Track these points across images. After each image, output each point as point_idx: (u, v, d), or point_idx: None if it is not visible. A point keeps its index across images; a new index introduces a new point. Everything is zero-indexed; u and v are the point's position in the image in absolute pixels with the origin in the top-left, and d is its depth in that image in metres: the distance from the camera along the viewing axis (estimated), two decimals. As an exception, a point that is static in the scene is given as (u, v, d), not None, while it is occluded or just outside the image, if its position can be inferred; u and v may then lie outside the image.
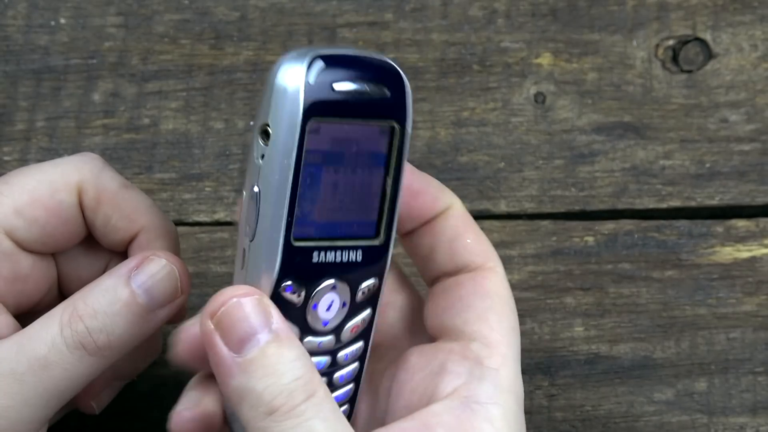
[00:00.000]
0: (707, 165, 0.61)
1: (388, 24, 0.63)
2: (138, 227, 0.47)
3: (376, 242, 0.44)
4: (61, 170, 0.47)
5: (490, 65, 0.62)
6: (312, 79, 0.40)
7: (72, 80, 0.62)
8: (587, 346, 0.59)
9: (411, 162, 0.61)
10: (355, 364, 0.46)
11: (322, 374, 0.45)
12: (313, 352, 0.44)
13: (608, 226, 0.61)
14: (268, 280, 0.42)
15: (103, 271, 0.48)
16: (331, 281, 0.43)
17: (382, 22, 0.63)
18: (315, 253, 0.42)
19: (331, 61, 0.41)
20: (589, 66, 0.62)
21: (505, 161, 0.61)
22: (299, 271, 0.42)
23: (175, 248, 0.48)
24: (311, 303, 0.43)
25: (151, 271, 0.45)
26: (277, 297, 0.42)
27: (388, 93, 0.42)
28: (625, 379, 0.59)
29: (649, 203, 0.61)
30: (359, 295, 0.44)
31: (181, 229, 0.60)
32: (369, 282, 0.44)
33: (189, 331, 0.43)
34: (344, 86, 0.41)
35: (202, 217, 0.61)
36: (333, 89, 0.41)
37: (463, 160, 0.61)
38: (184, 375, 0.59)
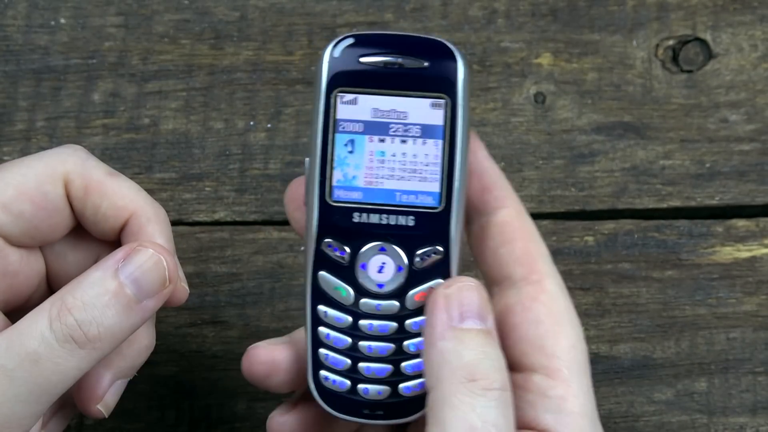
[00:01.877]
0: (707, 165, 0.61)
1: (388, 24, 0.63)
2: (128, 214, 0.47)
3: (431, 210, 0.45)
4: (46, 162, 0.47)
5: (490, 65, 0.62)
6: (337, 53, 0.44)
7: (72, 80, 0.62)
8: (587, 346, 0.59)
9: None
10: None
11: (389, 340, 0.46)
12: (372, 315, 0.46)
13: (608, 226, 0.61)
14: (311, 236, 0.45)
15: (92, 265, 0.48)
16: (377, 243, 0.45)
17: (382, 22, 0.63)
18: (356, 214, 0.45)
19: (361, 38, 0.45)
20: (589, 66, 0.62)
21: (505, 161, 0.61)
22: (339, 229, 0.45)
23: (167, 231, 0.48)
24: (359, 262, 0.45)
25: (138, 262, 0.45)
26: (320, 254, 0.45)
27: (425, 65, 0.44)
28: (625, 379, 0.59)
29: (649, 203, 0.61)
30: (418, 262, 0.45)
31: (181, 229, 0.60)
32: (428, 249, 0.45)
33: (263, 350, 0.48)
34: (371, 59, 0.44)
35: (202, 217, 0.61)
36: (359, 62, 0.44)
37: (463, 160, 0.61)
38: (183, 375, 0.59)
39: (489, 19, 0.63)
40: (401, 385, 0.46)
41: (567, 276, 0.60)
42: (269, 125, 0.62)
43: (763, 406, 0.59)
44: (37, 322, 0.44)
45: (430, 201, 0.45)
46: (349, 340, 0.46)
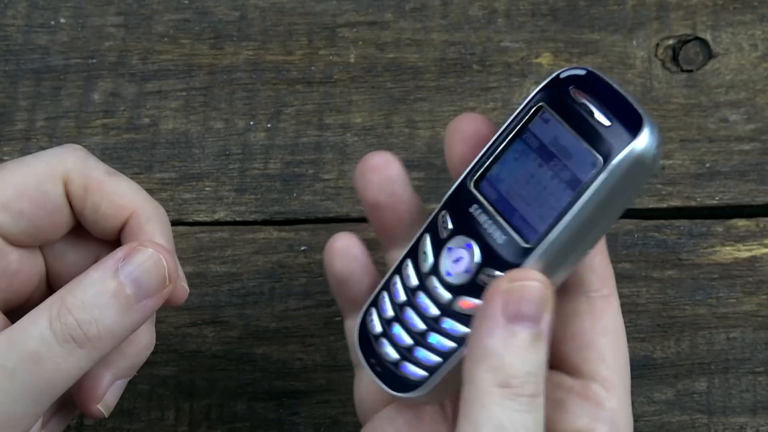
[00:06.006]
0: (707, 165, 0.61)
1: (388, 24, 0.63)
2: (127, 213, 0.47)
3: (521, 241, 0.45)
4: (45, 162, 0.47)
5: (490, 65, 0.62)
6: (562, 75, 0.45)
7: (72, 80, 0.62)
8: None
9: (412, 161, 0.61)
10: (452, 344, 0.46)
11: (425, 321, 0.47)
12: (428, 292, 0.47)
13: (608, 225, 0.61)
14: (441, 202, 0.47)
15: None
16: (469, 240, 0.46)
17: (382, 22, 0.63)
18: (474, 206, 0.46)
19: (590, 75, 0.45)
20: (589, 66, 0.62)
21: (505, 161, 0.61)
22: (455, 209, 0.47)
23: (167, 231, 0.48)
24: (448, 244, 0.47)
25: (138, 262, 0.45)
26: (435, 219, 0.47)
27: (607, 126, 0.44)
28: (625, 378, 0.59)
29: (649, 203, 0.61)
30: (481, 275, 0.46)
31: (180, 229, 0.60)
32: (493, 272, 0.45)
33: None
34: (577, 95, 0.45)
35: (202, 217, 0.61)
36: (568, 91, 0.45)
37: (463, 159, 0.61)
38: (184, 375, 0.59)
39: (489, 19, 0.63)
40: (404, 363, 0.47)
41: (567, 276, 0.60)
42: (269, 125, 0.62)
43: (763, 406, 0.59)
44: (37, 322, 0.44)
45: (528, 233, 0.45)
46: (404, 299, 0.48)
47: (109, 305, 0.44)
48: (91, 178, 0.47)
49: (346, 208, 0.61)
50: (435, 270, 0.47)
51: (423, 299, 0.47)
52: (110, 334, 0.44)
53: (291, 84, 0.62)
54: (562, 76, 0.45)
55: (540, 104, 0.46)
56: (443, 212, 0.47)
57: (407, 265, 0.48)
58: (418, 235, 0.48)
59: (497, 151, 0.46)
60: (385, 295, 0.48)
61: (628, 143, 0.43)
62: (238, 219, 0.61)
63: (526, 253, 0.45)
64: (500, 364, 0.43)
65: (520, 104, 0.46)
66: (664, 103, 0.62)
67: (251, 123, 0.62)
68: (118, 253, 0.45)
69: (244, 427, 0.59)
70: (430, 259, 0.47)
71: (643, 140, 0.43)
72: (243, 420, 0.59)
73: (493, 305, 0.43)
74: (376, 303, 0.49)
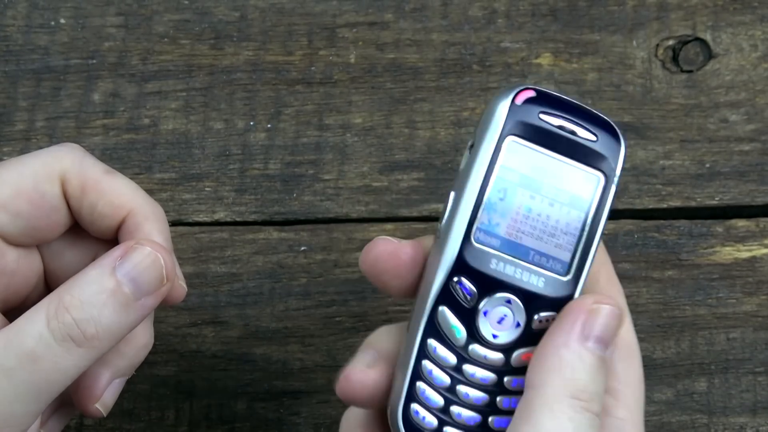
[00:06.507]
0: (707, 165, 0.61)
1: (388, 24, 0.63)
2: (125, 212, 0.47)
3: (561, 278, 0.45)
4: (43, 161, 0.47)
5: (490, 65, 0.62)
6: (519, 102, 0.45)
7: (72, 80, 0.62)
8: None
9: (412, 161, 0.61)
10: None
11: (486, 391, 0.46)
12: (477, 362, 0.45)
13: (608, 226, 0.61)
14: (443, 270, 0.45)
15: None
16: (507, 295, 0.45)
17: (382, 22, 0.63)
18: (494, 261, 0.45)
19: (544, 95, 0.45)
20: (589, 66, 0.62)
21: (505, 161, 0.61)
22: (473, 272, 0.45)
23: (165, 230, 0.48)
24: (482, 308, 0.45)
25: (135, 260, 0.45)
26: (447, 289, 0.45)
27: (595, 140, 0.45)
28: (625, 379, 0.59)
29: (649, 203, 0.61)
30: (535, 323, 0.45)
31: (180, 229, 0.60)
32: (547, 314, 0.45)
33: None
34: (550, 118, 0.45)
35: (202, 217, 0.61)
36: (539, 117, 0.45)
37: (462, 160, 0.61)
38: (183, 375, 0.59)
39: (489, 19, 0.63)
40: None
41: (567, 276, 0.60)
42: (269, 125, 0.62)
43: (763, 406, 0.59)
44: (35, 321, 0.44)
45: (558, 268, 0.45)
46: (449, 381, 0.46)
47: (106, 304, 0.44)
48: (88, 177, 0.47)
49: (346, 209, 0.61)
50: (475, 339, 0.45)
51: (474, 371, 0.46)
52: (108, 333, 0.44)
53: (291, 84, 0.62)
54: (519, 103, 0.45)
55: (508, 137, 0.45)
56: (456, 279, 0.45)
57: (435, 346, 0.46)
58: (428, 309, 0.46)
59: (481, 198, 0.45)
60: (423, 386, 0.46)
61: (619, 150, 0.45)
62: (238, 219, 0.61)
63: (572, 284, 0.45)
64: (573, 377, 0.44)
65: (480, 146, 0.44)
66: (664, 104, 0.62)
67: (251, 123, 0.62)
68: (116, 251, 0.45)
69: (244, 427, 0.59)
70: (463, 330, 0.45)
71: (624, 142, 0.45)
72: (243, 420, 0.59)
73: (574, 321, 0.44)
74: (414, 398, 0.46)
